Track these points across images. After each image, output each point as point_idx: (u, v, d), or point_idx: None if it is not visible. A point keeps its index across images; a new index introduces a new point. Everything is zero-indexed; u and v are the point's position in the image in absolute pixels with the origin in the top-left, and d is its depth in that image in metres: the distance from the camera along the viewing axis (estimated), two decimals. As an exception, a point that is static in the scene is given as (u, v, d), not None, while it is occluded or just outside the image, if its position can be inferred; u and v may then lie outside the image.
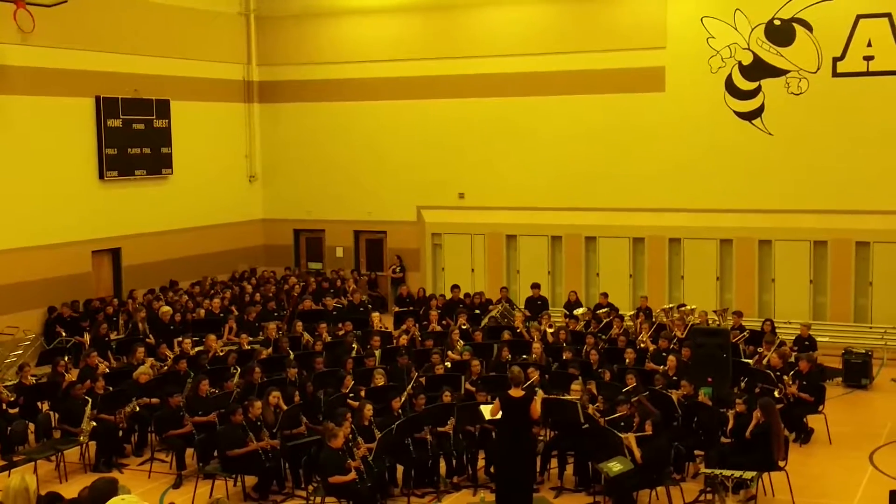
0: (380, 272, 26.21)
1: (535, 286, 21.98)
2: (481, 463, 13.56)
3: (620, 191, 23.20)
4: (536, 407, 11.91)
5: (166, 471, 14.02)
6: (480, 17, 24.59)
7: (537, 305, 21.22)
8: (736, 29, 22.03)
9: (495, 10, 24.39)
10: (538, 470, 13.05)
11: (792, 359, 16.02)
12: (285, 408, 13.54)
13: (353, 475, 11.76)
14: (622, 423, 12.65)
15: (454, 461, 13.46)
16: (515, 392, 11.82)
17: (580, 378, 14.25)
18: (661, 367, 15.52)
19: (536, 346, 16.60)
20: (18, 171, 20.66)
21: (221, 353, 16.87)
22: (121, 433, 14.62)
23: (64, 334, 19.76)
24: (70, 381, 15.18)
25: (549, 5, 23.88)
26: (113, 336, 19.25)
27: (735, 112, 22.24)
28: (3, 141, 20.38)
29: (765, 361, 16.08)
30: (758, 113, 22.09)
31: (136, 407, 14.67)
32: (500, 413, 11.86)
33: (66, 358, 16.63)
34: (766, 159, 22.03)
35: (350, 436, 12.15)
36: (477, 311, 20.64)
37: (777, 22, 21.73)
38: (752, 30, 21.91)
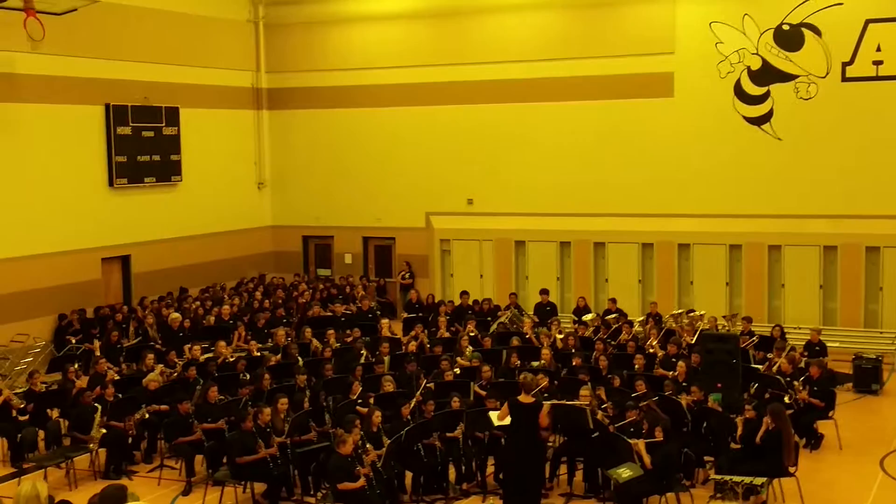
0: (388, 278, 26.21)
1: (544, 292, 21.96)
2: (490, 469, 13.54)
3: (629, 196, 23.17)
4: (545, 417, 11.90)
5: (176, 478, 14.03)
6: (488, 23, 24.60)
7: (546, 311, 21.20)
8: (745, 34, 22.01)
9: (503, 17, 24.40)
10: (547, 476, 13.03)
11: (802, 364, 15.98)
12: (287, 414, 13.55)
13: (362, 482, 11.75)
14: (631, 429, 12.63)
15: (463, 467, 13.45)
16: (525, 398, 11.81)
17: (589, 384, 14.23)
18: (671, 372, 15.50)
19: (545, 352, 16.60)
20: (28, 178, 20.72)
21: (231, 360, 16.90)
22: (130, 440, 14.63)
23: (74, 341, 19.80)
24: (80, 388, 15.19)
25: (558, 11, 23.88)
26: (123, 343, 19.28)
27: (744, 117, 22.21)
28: (13, 149, 20.45)
29: (775, 367, 16.03)
30: (767, 118, 22.05)
31: (146, 414, 14.69)
32: (510, 419, 11.86)
33: (76, 365, 16.68)
34: (775, 164, 21.99)
35: (359, 442, 12.15)
36: (489, 319, 20.57)
37: (786, 27, 21.70)
38: (761, 35, 21.89)
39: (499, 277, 24.64)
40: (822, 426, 15.08)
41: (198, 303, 21.97)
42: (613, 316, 19.70)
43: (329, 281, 25.16)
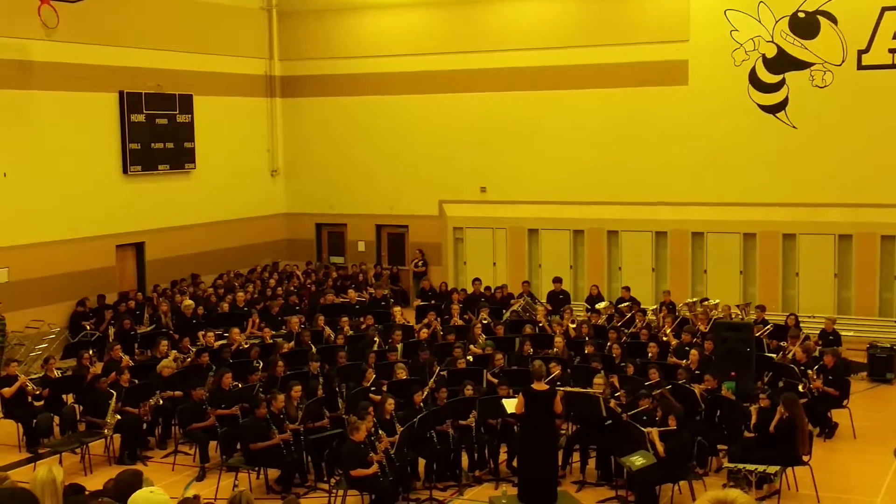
0: (402, 266, 26.22)
1: (557, 280, 21.94)
2: (503, 456, 13.56)
3: (643, 184, 23.09)
4: (558, 403, 11.92)
5: (190, 463, 14.10)
6: (502, 10, 24.53)
7: (559, 299, 21.18)
8: (760, 21, 21.88)
9: (517, 4, 24.32)
10: (560, 464, 13.04)
11: (816, 353, 15.92)
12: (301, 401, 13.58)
13: (375, 468, 11.79)
14: (644, 417, 12.63)
15: (476, 455, 13.47)
16: (539, 386, 11.83)
17: (602, 372, 14.23)
18: (684, 361, 15.47)
19: (558, 341, 16.60)
20: (42, 166, 20.77)
21: (245, 347, 16.95)
22: (145, 426, 14.73)
23: (89, 328, 19.89)
24: (95, 373, 15.28)
25: (572, -2, 23.82)
26: (137, 330, 19.35)
27: (759, 105, 22.09)
28: (27, 136, 20.51)
29: (789, 356, 16.00)
30: (782, 106, 21.93)
31: (160, 400, 14.76)
32: (524, 407, 11.88)
33: (90, 351, 16.75)
34: (789, 153, 21.88)
35: (372, 429, 12.18)
36: (507, 311, 20.49)
37: (801, 14, 21.56)
38: (777, 22, 21.75)
39: (512, 265, 24.61)
40: (837, 415, 15.05)
41: (212, 290, 22.05)
42: (626, 304, 19.67)
43: (342, 268, 25.20)
